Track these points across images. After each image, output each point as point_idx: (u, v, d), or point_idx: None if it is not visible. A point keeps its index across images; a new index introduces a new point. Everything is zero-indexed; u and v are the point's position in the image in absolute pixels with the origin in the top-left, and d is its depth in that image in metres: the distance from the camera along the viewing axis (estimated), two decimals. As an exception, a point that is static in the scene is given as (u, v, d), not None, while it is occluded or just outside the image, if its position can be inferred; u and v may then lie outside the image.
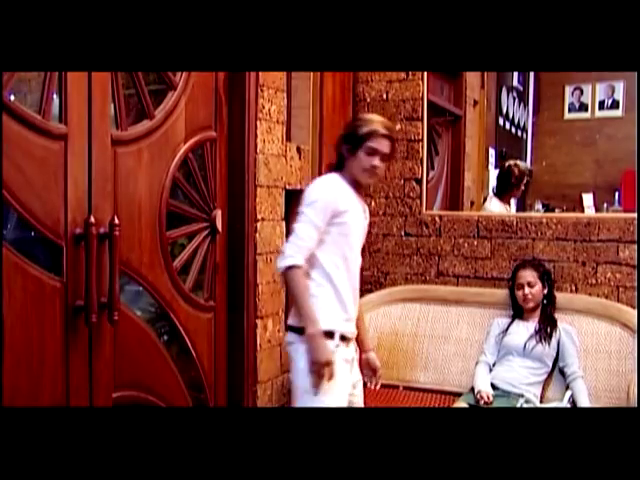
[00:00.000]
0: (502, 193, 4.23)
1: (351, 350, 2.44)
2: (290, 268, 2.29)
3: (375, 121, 2.48)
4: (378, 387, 2.67)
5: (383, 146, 2.43)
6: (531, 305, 3.27)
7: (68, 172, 2.19)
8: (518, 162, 4.42)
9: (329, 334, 2.30)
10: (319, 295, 2.34)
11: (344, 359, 2.35)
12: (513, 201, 4.31)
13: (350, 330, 2.42)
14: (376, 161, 2.42)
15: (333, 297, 2.35)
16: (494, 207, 4.13)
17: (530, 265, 3.35)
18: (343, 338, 2.36)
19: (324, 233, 2.34)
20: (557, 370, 3.22)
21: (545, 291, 3.30)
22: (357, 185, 2.47)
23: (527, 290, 3.26)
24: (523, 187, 4.28)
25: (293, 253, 2.30)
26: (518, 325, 3.29)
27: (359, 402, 2.51)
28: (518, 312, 3.34)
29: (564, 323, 3.27)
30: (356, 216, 2.44)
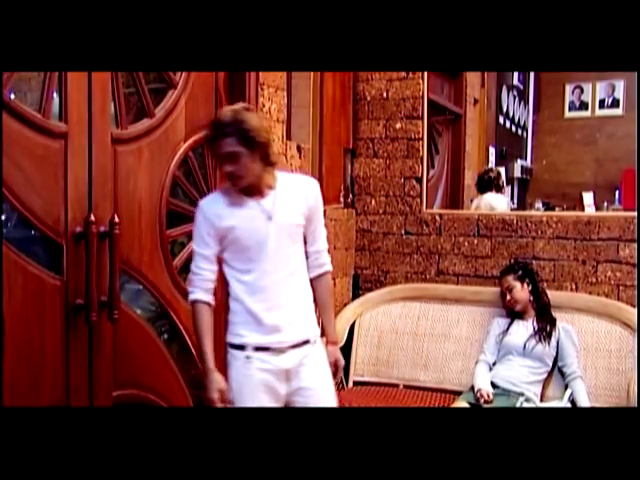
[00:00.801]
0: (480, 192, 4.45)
1: (284, 360, 2.25)
2: (193, 303, 2.26)
3: (212, 121, 2.18)
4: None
5: (223, 147, 2.13)
6: (518, 307, 3.30)
7: (68, 170, 2.19)
8: (493, 167, 4.85)
9: (240, 347, 2.25)
10: (232, 309, 2.28)
11: (265, 369, 2.23)
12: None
13: (276, 340, 2.24)
14: (227, 167, 2.15)
15: (243, 311, 2.25)
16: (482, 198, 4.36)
17: (507, 271, 3.39)
18: (263, 349, 2.24)
19: (222, 252, 2.25)
20: (557, 369, 3.23)
21: (529, 288, 3.31)
22: (255, 188, 2.22)
23: (508, 297, 3.31)
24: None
25: (192, 289, 2.26)
26: (518, 325, 3.29)
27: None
28: (515, 313, 3.35)
29: (564, 322, 3.28)
30: (249, 227, 2.20)
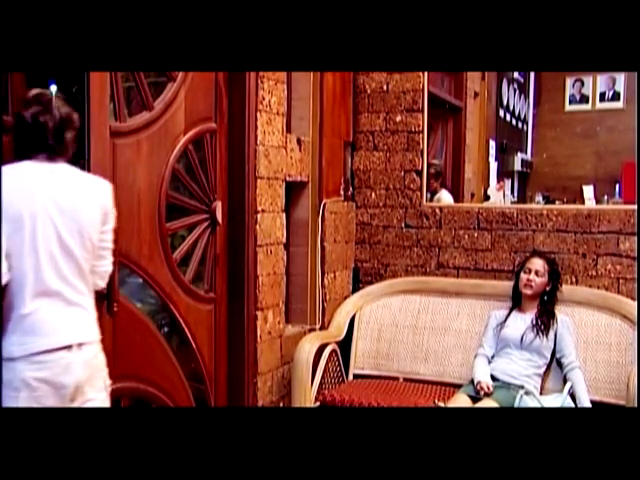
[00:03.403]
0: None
1: None
2: None
3: None
4: None
5: None
6: (529, 292, 3.27)
7: (67, 164, 2.18)
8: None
9: None
10: None
11: None
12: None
13: None
14: None
15: None
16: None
17: (545, 257, 3.35)
18: None
19: None
20: (555, 361, 3.23)
21: (548, 287, 3.29)
22: None
23: (532, 276, 3.26)
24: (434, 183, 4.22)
25: None
26: (515, 317, 3.29)
27: None
28: (517, 301, 3.34)
29: (561, 314, 3.27)
30: None
